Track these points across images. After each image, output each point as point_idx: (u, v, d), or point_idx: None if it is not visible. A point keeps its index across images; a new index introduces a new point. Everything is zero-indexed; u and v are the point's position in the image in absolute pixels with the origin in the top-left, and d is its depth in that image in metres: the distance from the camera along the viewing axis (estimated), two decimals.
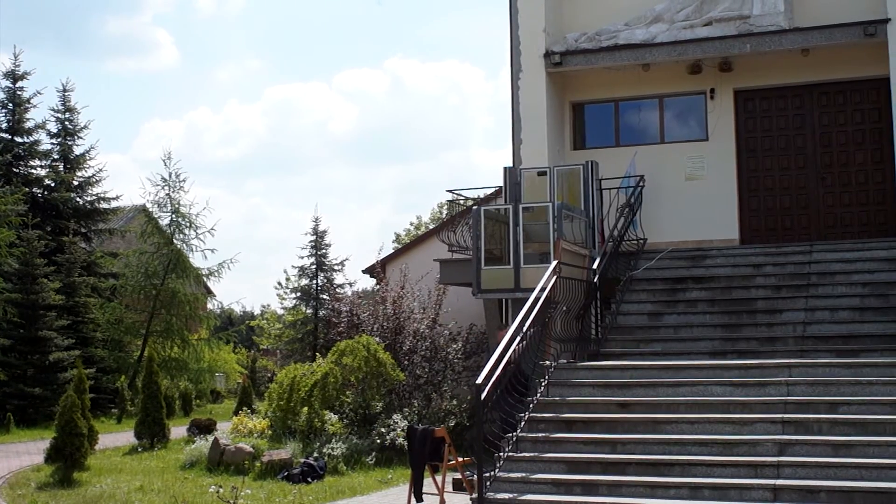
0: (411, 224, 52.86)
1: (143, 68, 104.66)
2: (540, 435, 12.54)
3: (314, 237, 31.57)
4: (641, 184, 19.46)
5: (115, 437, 22.73)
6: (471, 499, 11.51)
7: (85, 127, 35.32)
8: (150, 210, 33.03)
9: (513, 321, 13.39)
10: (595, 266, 16.12)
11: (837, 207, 19.73)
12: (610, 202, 19.30)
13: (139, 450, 20.05)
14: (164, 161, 32.62)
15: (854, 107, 19.83)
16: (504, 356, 12.17)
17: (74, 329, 28.76)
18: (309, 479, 15.67)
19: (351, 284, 31.55)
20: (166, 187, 32.56)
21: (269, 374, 35.49)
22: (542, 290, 13.89)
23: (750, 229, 20.15)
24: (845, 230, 19.50)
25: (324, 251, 31.52)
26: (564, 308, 14.62)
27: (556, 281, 14.36)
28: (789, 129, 20.15)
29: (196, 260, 32.76)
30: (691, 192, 20.24)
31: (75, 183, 34.37)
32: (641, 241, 18.73)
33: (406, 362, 20.03)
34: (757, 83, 20.27)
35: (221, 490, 12.74)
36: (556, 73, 20.69)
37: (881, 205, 19.33)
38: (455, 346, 20.77)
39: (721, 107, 20.34)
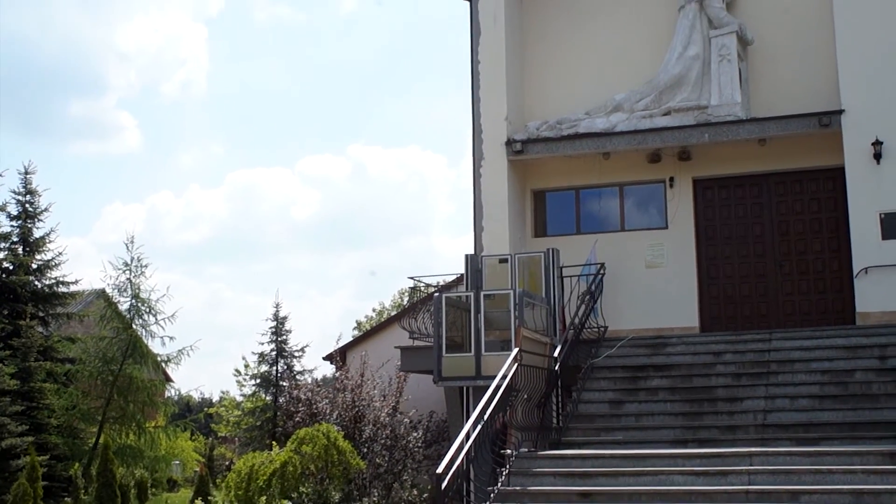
0: (373, 311, 52.74)
1: (106, 151, 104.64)
2: None
3: (275, 323, 31.32)
4: (602, 271, 19.54)
5: None
6: None
7: (45, 210, 34.98)
8: (110, 294, 32.64)
9: (474, 409, 13.28)
10: (556, 354, 16.10)
11: (796, 295, 19.88)
12: (571, 290, 19.32)
13: None
14: (125, 245, 32.31)
15: (811, 196, 20.10)
16: (465, 445, 12.05)
17: (29, 415, 28.18)
18: None
19: (311, 371, 31.26)
20: (127, 271, 32.29)
21: (227, 463, 34.95)
22: (504, 377, 13.82)
23: (710, 317, 20.24)
24: (804, 318, 19.62)
25: (284, 337, 31.25)
26: (525, 396, 14.54)
27: (517, 369, 14.30)
28: (748, 218, 20.37)
29: (155, 346, 32.31)
30: (651, 280, 20.34)
31: (34, 266, 33.95)
32: (602, 329, 18.74)
33: (366, 451, 19.79)
34: (715, 172, 20.52)
35: None
36: (517, 160, 20.88)
37: (839, 293, 19.49)
38: (416, 434, 20.57)
39: (680, 195, 20.56)
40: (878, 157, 18.46)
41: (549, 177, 21.52)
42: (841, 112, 18.87)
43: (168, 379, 37.61)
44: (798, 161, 19.97)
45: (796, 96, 19.74)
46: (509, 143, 20.70)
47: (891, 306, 18.07)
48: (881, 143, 18.44)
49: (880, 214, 18.44)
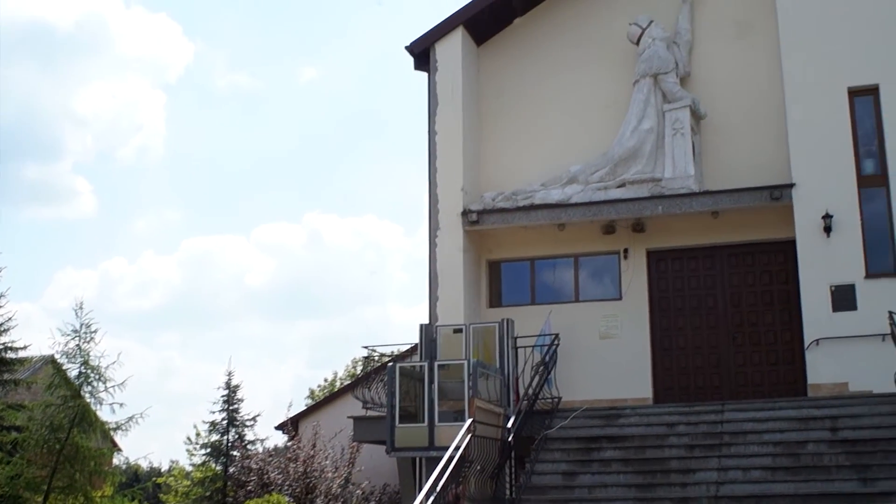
0: (326, 380, 52.35)
1: (61, 216, 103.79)
2: None
3: (226, 391, 30.99)
4: (556, 342, 19.56)
5: None
6: None
7: None
8: (59, 361, 32.19)
9: (427, 480, 13.16)
10: (510, 424, 16.03)
11: (748, 367, 19.99)
12: (525, 360, 19.28)
13: None
14: (75, 311, 31.99)
15: (762, 268, 20.31)
16: None
17: None
18: None
19: (263, 441, 30.93)
20: (76, 338, 31.85)
21: None
22: (457, 448, 13.74)
23: (663, 388, 20.28)
24: (756, 389, 19.71)
25: (236, 406, 30.90)
26: (479, 467, 14.45)
27: (470, 439, 14.23)
28: (701, 289, 20.53)
29: (104, 413, 31.79)
30: (605, 351, 20.38)
31: None
32: (556, 400, 18.71)
33: None
34: (669, 244, 20.71)
35: None
36: (473, 230, 20.96)
37: (790, 364, 19.63)
38: None
39: (634, 267, 20.70)
40: (828, 230, 18.73)
41: (504, 247, 21.61)
42: (792, 186, 19.16)
43: (116, 447, 37.00)
44: (750, 234, 20.21)
45: (748, 170, 20.03)
46: (465, 213, 20.80)
47: (842, 378, 18.22)
48: (831, 216, 18.71)
49: (831, 287, 18.65)
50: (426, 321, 20.29)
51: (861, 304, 18.45)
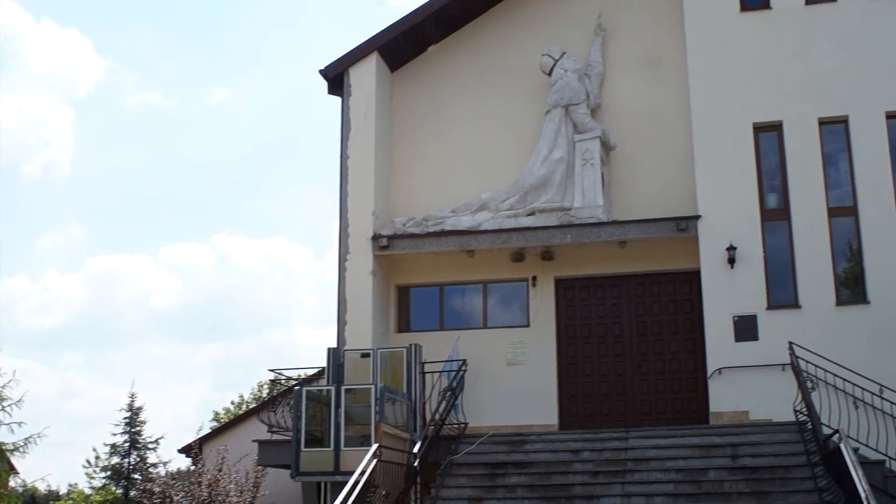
0: (231, 403, 51.72)
1: None
2: None
3: (129, 413, 30.55)
4: (464, 368, 19.62)
5: None
6: None
7: None
8: None
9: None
10: (416, 450, 16.01)
11: (653, 395, 20.26)
12: (433, 385, 19.30)
13: None
14: None
15: (668, 297, 20.63)
16: None
17: None
18: None
19: (165, 464, 30.46)
20: None
21: None
22: (362, 473, 13.68)
23: (569, 415, 20.44)
24: (660, 417, 19.98)
25: (138, 428, 30.49)
26: (384, 492, 14.40)
27: (376, 464, 14.19)
28: (607, 318, 20.77)
29: (0, 434, 31.05)
30: (512, 377, 20.49)
31: None
32: (463, 426, 18.73)
33: None
34: (577, 272, 20.92)
35: None
36: (383, 255, 20.96)
37: (693, 392, 19.93)
38: None
39: (542, 294, 20.88)
40: (731, 261, 19.11)
41: (414, 273, 21.64)
42: (697, 218, 19.53)
43: (13, 469, 36.11)
44: (657, 263, 20.52)
45: (656, 201, 20.38)
46: (375, 238, 20.80)
47: (743, 406, 18.57)
48: (735, 248, 19.10)
49: (734, 317, 19.02)
50: (334, 345, 20.21)
51: (762, 334, 18.85)
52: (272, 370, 21.13)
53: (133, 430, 30.45)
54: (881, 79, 19.50)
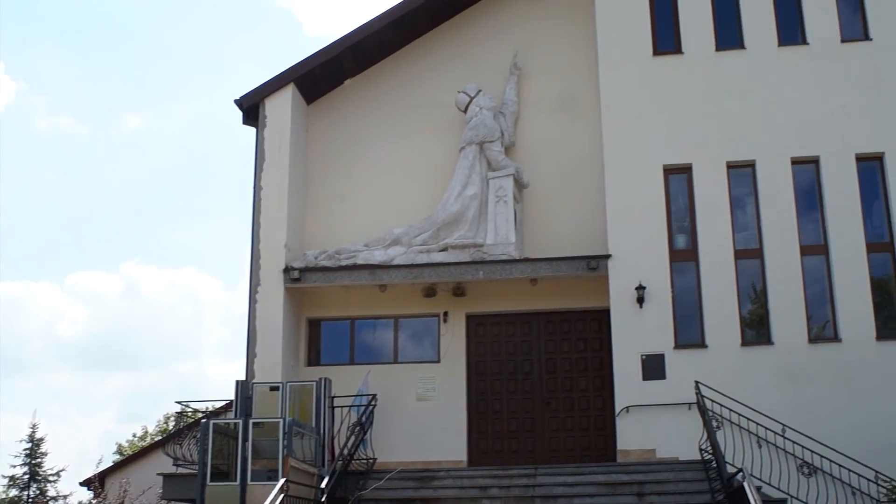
0: (135, 435, 50.75)
1: None
2: None
3: (29, 445, 29.82)
4: (374, 403, 19.53)
5: None
6: None
7: None
8: None
9: None
10: (323, 485, 15.86)
11: (561, 432, 20.36)
12: (342, 420, 19.17)
13: None
14: None
15: (577, 335, 20.81)
16: None
17: None
18: None
19: (66, 497, 29.77)
20: None
21: None
22: None
23: (478, 451, 20.45)
24: (568, 454, 20.08)
25: (39, 460, 29.77)
26: None
27: (283, 499, 14.02)
28: (518, 355, 20.87)
29: None
30: (422, 413, 20.45)
31: None
32: (371, 461, 18.62)
33: None
34: (488, 309, 21.00)
35: None
36: (294, 288, 20.81)
37: (601, 430, 20.09)
38: None
39: (453, 330, 20.91)
40: (640, 301, 19.35)
41: (325, 306, 21.51)
42: (608, 257, 19.76)
43: None
44: (567, 301, 20.69)
45: (567, 239, 20.58)
46: (287, 270, 20.65)
47: (649, 444, 18.76)
48: (644, 287, 19.35)
49: (642, 356, 19.24)
50: (243, 378, 19.98)
51: (670, 373, 19.10)
52: (179, 402, 20.82)
53: (33, 461, 29.73)
54: (787, 125, 20.02)
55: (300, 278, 20.66)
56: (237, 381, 19.49)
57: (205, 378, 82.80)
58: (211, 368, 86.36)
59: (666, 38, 20.98)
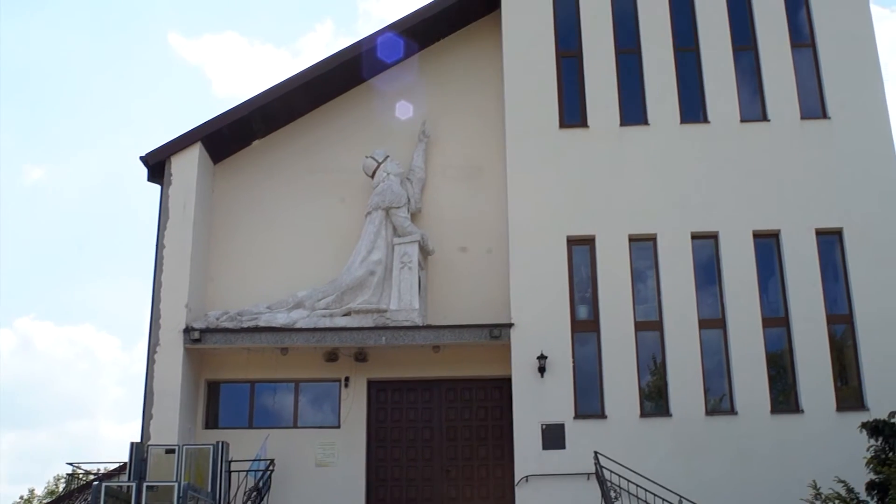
0: (21, 497, 49.15)
1: None
2: None
3: None
4: (272, 468, 19.26)
5: None
6: None
7: None
8: None
9: None
10: None
11: (461, 501, 20.28)
12: (238, 485, 18.86)
13: None
14: None
15: (479, 404, 20.83)
16: None
17: None
18: None
19: None
20: None
21: None
22: None
23: None
24: None
25: None
26: None
27: None
28: (419, 422, 20.79)
29: None
30: (321, 479, 20.19)
31: None
32: None
33: None
34: (390, 375, 20.92)
35: None
36: (194, 349, 20.49)
37: (501, 499, 20.04)
38: None
39: (354, 396, 20.77)
40: (542, 370, 19.45)
41: (225, 368, 21.22)
42: (510, 326, 19.87)
43: None
44: (469, 369, 20.73)
45: (471, 307, 20.67)
46: (187, 330, 20.33)
47: None
48: (545, 357, 19.47)
49: (542, 425, 19.30)
50: (138, 439, 19.55)
51: (570, 443, 19.17)
52: (70, 463, 20.29)
53: None
54: (688, 200, 20.48)
55: (200, 339, 20.34)
56: (132, 443, 19.05)
57: (99, 439, 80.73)
58: (105, 429, 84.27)
59: (572, 111, 21.38)
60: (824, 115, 21.09)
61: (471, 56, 22.76)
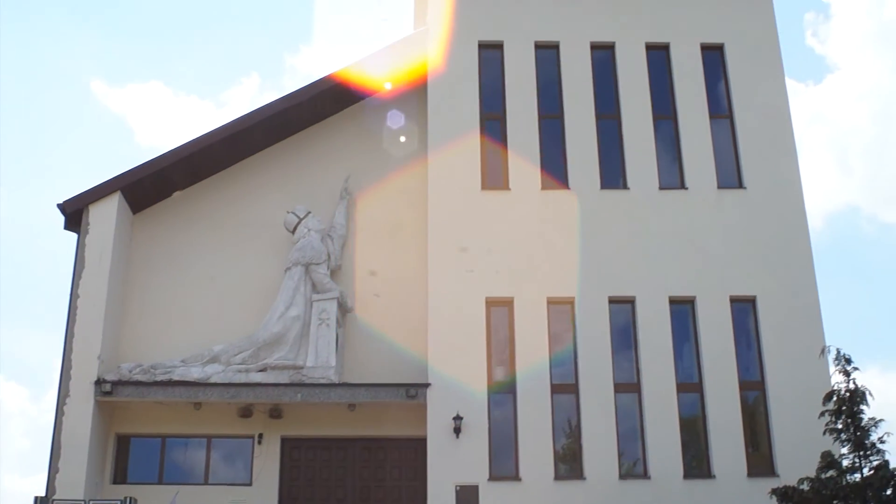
0: None
1: None
2: None
3: None
4: None
5: None
6: None
7: None
8: None
9: None
10: None
11: None
12: None
13: None
14: None
15: (393, 463, 20.68)
16: None
17: None
18: None
19: None
20: None
21: None
22: None
23: None
24: None
25: None
26: None
27: None
28: (332, 481, 20.56)
29: None
30: None
31: None
32: None
33: None
34: (305, 432, 20.71)
35: None
36: (105, 401, 20.10)
37: None
38: None
39: (267, 453, 20.51)
40: (457, 431, 19.40)
41: (137, 422, 20.82)
42: (427, 386, 19.81)
43: None
44: (385, 429, 20.61)
45: (388, 366, 20.61)
46: (99, 382, 19.93)
47: None
48: (461, 418, 19.43)
49: (456, 486, 19.21)
50: (43, 493, 19.04)
51: None
52: None
53: None
54: (606, 264, 20.69)
55: (112, 392, 19.96)
56: (36, 497, 18.58)
57: (1, 492, 78.43)
58: (9, 482, 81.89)
59: (494, 173, 21.54)
60: (740, 185, 21.52)
61: (396, 114, 22.89)
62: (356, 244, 21.90)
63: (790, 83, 24.29)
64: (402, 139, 22.67)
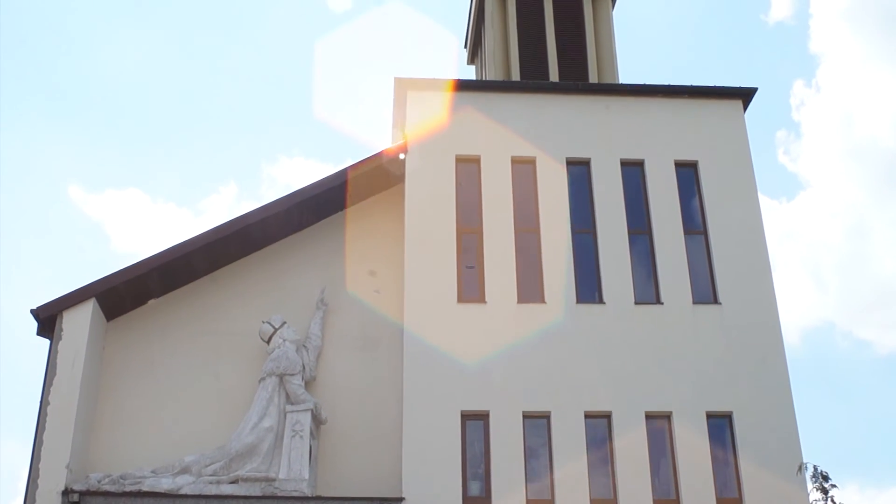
0: None
1: None
2: None
3: None
4: None
5: None
6: None
7: None
8: None
9: None
10: None
11: None
12: None
13: None
14: None
15: None
16: None
17: None
18: None
19: None
20: None
21: None
22: None
23: None
24: None
25: None
26: None
27: None
28: None
29: None
30: None
31: None
32: None
33: None
34: None
35: None
36: None
37: None
38: None
39: None
40: None
41: None
42: (401, 500, 19.55)
43: None
44: None
45: (362, 479, 20.34)
46: (66, 493, 19.53)
47: None
48: None
49: None
50: None
51: None
52: None
53: None
54: (582, 379, 20.66)
55: (79, 502, 19.57)
56: None
57: None
58: None
59: (471, 286, 21.63)
60: (715, 301, 21.68)
61: (372, 226, 23.08)
62: (331, 355, 21.80)
63: (763, 200, 24.78)
64: (378, 251, 22.77)
